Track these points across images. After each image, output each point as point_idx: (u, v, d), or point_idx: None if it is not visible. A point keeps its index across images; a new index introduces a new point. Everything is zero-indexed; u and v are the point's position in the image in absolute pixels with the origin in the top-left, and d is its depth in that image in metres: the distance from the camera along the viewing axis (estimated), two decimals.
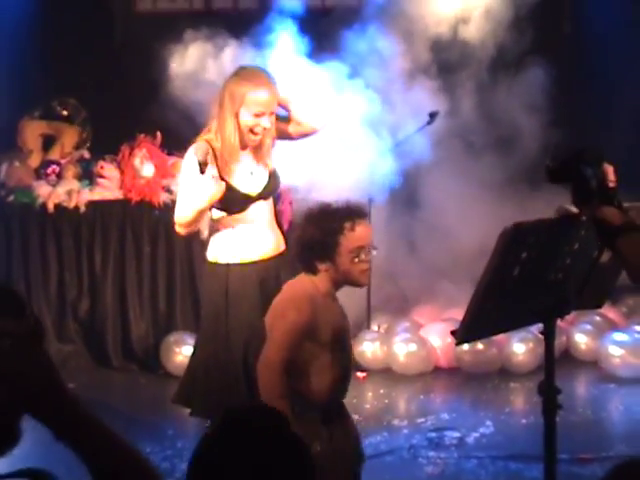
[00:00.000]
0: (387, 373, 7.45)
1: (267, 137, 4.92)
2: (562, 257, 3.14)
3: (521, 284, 3.04)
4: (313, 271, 4.03)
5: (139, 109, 7.97)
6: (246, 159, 4.96)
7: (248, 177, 4.93)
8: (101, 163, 8.21)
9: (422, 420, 6.48)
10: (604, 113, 8.40)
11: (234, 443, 1.88)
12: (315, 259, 3.99)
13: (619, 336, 7.41)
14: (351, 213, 4.00)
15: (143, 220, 8.05)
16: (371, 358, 7.69)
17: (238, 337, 4.86)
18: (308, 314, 3.97)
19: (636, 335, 7.46)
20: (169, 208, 7.84)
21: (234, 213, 4.92)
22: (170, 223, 7.85)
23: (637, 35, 8.27)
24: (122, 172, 8.09)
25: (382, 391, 7.06)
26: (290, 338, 3.96)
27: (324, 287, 4.05)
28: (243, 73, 4.95)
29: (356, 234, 3.95)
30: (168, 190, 7.98)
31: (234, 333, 4.90)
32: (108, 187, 8.13)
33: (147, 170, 8.04)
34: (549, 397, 3.22)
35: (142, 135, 8.09)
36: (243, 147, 4.91)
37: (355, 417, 6.51)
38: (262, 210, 4.96)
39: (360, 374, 7.62)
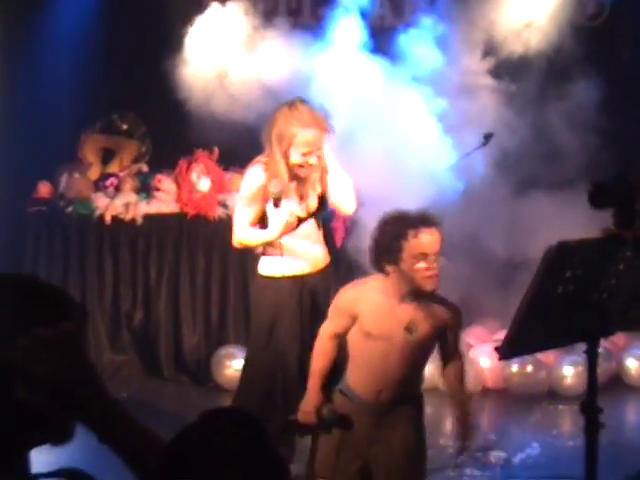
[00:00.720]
0: (435, 392, 7.45)
1: (314, 171, 5.08)
2: (607, 277, 3.16)
3: (564, 302, 3.06)
4: (383, 272, 4.30)
5: (196, 124, 8.08)
6: (296, 184, 5.13)
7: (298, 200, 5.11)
8: (159, 177, 8.34)
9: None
10: None
11: (203, 446, 1.90)
12: (382, 261, 4.27)
13: None
14: (418, 221, 4.23)
15: (198, 234, 8.16)
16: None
17: (290, 349, 4.95)
18: (350, 297, 4.39)
19: None
20: (224, 222, 7.97)
21: None
22: (225, 237, 8.04)
23: None
24: (179, 186, 8.21)
25: (430, 410, 7.05)
26: (334, 314, 4.44)
27: (394, 287, 4.30)
28: (292, 111, 5.08)
29: (419, 241, 4.18)
30: (224, 205, 8.09)
31: (285, 346, 4.99)
32: (165, 200, 8.26)
33: (203, 184, 8.16)
34: (591, 415, 3.24)
35: (200, 150, 8.21)
36: (291, 179, 5.07)
37: None
38: (311, 227, 5.10)
39: None
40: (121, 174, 8.55)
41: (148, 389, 7.70)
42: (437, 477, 5.77)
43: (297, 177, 5.16)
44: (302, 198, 5.20)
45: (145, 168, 8.75)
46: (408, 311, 4.33)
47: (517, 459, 6.07)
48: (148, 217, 8.15)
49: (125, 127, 8.89)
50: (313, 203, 5.18)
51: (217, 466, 1.89)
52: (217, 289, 8.09)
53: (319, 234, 5.27)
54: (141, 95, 7.88)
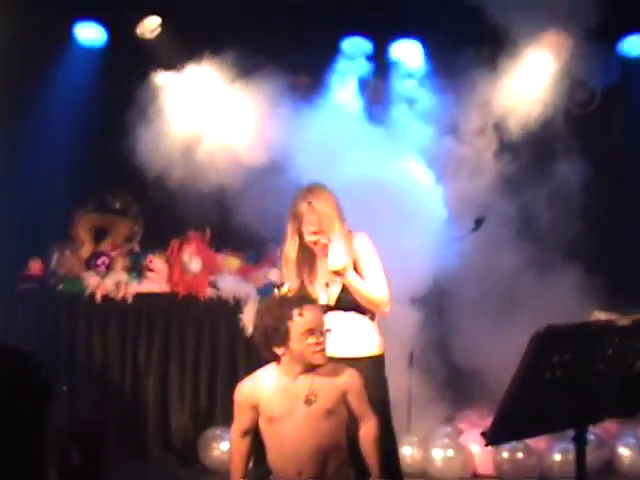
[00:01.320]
0: (424, 479, 7.38)
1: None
2: (595, 362, 3.14)
3: (552, 388, 3.03)
4: (274, 356, 4.49)
5: (190, 206, 8.11)
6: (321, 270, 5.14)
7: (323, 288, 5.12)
8: (150, 257, 8.34)
9: None
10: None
11: None
12: (272, 345, 4.45)
13: None
14: (299, 300, 4.49)
15: (189, 314, 8.13)
16: (409, 462, 7.65)
17: None
18: (247, 390, 4.56)
19: None
20: (215, 303, 7.96)
21: None
22: (215, 318, 8.03)
23: None
24: (170, 266, 8.20)
25: None
26: (237, 412, 4.60)
27: (287, 368, 4.49)
28: (303, 191, 5.14)
29: (304, 319, 4.41)
30: (215, 285, 8.09)
31: None
32: (156, 280, 8.25)
33: (195, 265, 8.16)
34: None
35: (192, 231, 8.23)
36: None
37: None
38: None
39: None
40: (113, 253, 8.55)
41: (135, 469, 7.58)
42: None
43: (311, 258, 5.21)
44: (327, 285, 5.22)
45: (137, 248, 8.76)
46: (304, 385, 4.48)
47: None
48: (139, 296, 8.14)
49: (118, 206, 8.92)
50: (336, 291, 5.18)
51: None
52: (206, 370, 8.03)
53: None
54: (133, 174, 7.90)
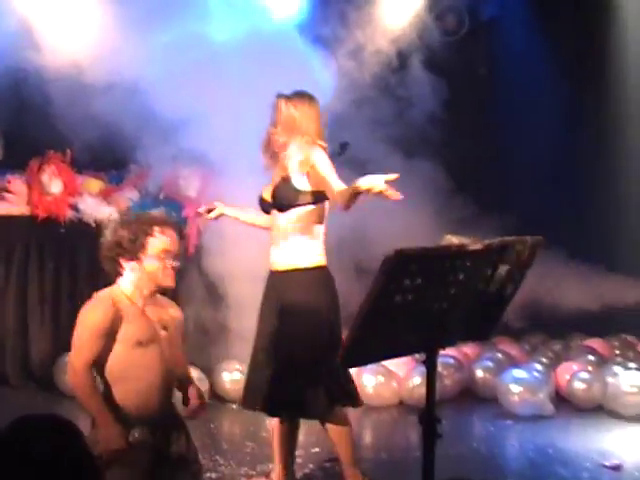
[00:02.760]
0: None
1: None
2: (446, 287, 3.12)
3: (403, 312, 3.00)
4: (118, 271, 4.28)
5: (51, 125, 7.87)
6: None
7: None
8: (8, 177, 8.09)
9: (317, 450, 6.45)
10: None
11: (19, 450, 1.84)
12: (122, 257, 4.27)
13: (518, 373, 7.46)
14: (163, 220, 4.34)
15: (48, 237, 7.93)
16: None
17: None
18: (107, 314, 4.18)
19: (535, 373, 7.53)
20: (75, 226, 7.78)
21: None
22: (75, 241, 7.84)
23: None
24: (29, 187, 7.97)
25: None
26: (89, 339, 4.17)
27: (137, 288, 4.29)
28: None
29: (165, 238, 4.29)
30: (75, 208, 7.90)
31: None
32: (15, 202, 8.01)
33: (55, 187, 7.95)
34: (428, 426, 3.21)
35: (52, 151, 8.00)
36: None
37: (250, 445, 6.51)
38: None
39: None
40: None
41: None
42: None
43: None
44: None
45: None
46: (155, 309, 4.37)
47: (364, 469, 6.04)
48: None
49: None
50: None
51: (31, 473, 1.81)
52: (66, 294, 7.88)
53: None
54: None
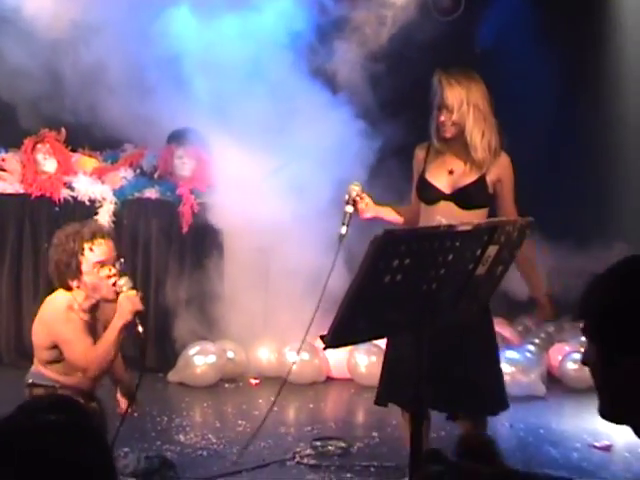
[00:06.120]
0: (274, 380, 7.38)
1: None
2: (436, 267, 3.13)
3: (392, 292, 3.00)
4: (68, 288, 4.53)
5: (46, 104, 7.85)
6: None
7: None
8: (3, 155, 8.08)
9: (309, 429, 6.47)
10: None
11: (23, 433, 1.85)
12: (67, 278, 4.51)
13: (510, 354, 7.47)
14: (90, 234, 4.51)
15: (43, 215, 7.93)
16: (265, 366, 7.73)
17: None
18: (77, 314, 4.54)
19: (527, 354, 7.54)
20: (69, 204, 7.78)
21: None
22: (69, 219, 7.84)
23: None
24: (24, 166, 7.96)
25: (273, 398, 7.04)
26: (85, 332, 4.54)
27: (80, 303, 4.54)
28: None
29: (94, 253, 4.47)
30: (70, 187, 7.90)
31: None
32: (9, 180, 8.01)
33: (50, 165, 7.95)
34: (416, 408, 3.23)
35: (46, 130, 7.99)
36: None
37: (242, 422, 6.53)
38: None
39: (253, 381, 7.64)
40: None
41: None
42: (275, 467, 5.72)
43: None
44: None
45: None
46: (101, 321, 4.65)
47: (355, 448, 6.07)
48: None
49: None
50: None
51: (41, 452, 1.81)
52: None
53: None
54: None
